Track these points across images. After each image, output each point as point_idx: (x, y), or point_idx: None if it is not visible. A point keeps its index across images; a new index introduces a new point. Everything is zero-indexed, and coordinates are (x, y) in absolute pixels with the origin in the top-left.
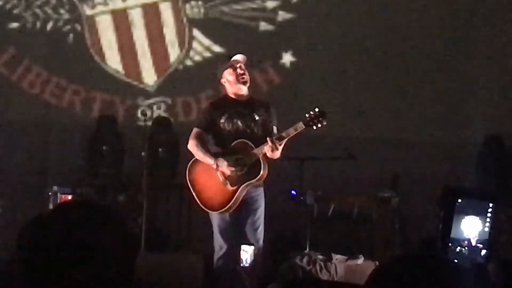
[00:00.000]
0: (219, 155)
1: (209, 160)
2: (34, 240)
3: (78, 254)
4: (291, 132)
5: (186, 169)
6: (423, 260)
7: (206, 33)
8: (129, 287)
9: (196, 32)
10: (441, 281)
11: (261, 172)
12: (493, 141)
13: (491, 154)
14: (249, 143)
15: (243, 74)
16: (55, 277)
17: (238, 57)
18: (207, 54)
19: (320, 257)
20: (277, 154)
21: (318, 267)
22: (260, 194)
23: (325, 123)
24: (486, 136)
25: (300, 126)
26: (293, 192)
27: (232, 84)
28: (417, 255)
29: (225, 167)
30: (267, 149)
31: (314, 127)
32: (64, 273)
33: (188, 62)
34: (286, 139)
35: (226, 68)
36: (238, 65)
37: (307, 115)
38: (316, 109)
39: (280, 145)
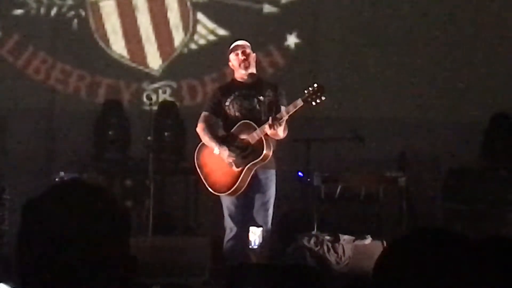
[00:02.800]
0: (223, 138)
1: (213, 146)
2: (27, 223)
3: (70, 235)
4: (291, 109)
5: (193, 153)
6: (438, 235)
7: (210, 16)
8: (123, 268)
9: (200, 16)
10: (457, 256)
11: (264, 151)
12: (501, 120)
13: (498, 133)
14: (252, 123)
15: (245, 59)
16: (49, 260)
17: (239, 42)
18: (212, 37)
19: (328, 238)
20: (280, 133)
21: (325, 248)
22: (270, 177)
23: (324, 98)
24: (493, 115)
25: (299, 102)
26: (300, 173)
27: (236, 69)
28: (433, 229)
29: (226, 155)
30: (267, 128)
31: (313, 103)
32: (58, 255)
33: (193, 46)
34: (286, 117)
35: (230, 53)
36: (240, 50)
37: (305, 91)
38: (315, 85)
39: (280, 124)
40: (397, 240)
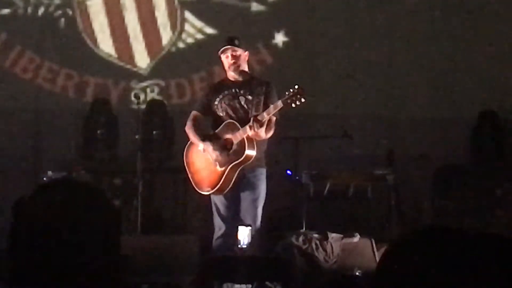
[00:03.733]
0: (208, 137)
1: (197, 142)
2: (17, 223)
3: (61, 234)
4: (271, 110)
5: (182, 152)
6: (441, 233)
7: (198, 15)
8: (114, 265)
9: (187, 14)
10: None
11: (245, 152)
12: (488, 117)
13: (486, 130)
14: (237, 124)
15: (234, 62)
16: (40, 258)
17: (229, 43)
18: (200, 36)
19: (316, 235)
20: (261, 134)
21: (314, 246)
22: (258, 175)
23: (303, 100)
24: (481, 113)
25: (279, 104)
26: (288, 172)
27: (226, 69)
28: (436, 227)
29: (211, 150)
30: (248, 129)
31: (293, 105)
32: (48, 253)
33: (181, 45)
34: (267, 118)
35: (220, 53)
36: (230, 53)
37: (286, 93)
38: (296, 86)
39: (261, 125)
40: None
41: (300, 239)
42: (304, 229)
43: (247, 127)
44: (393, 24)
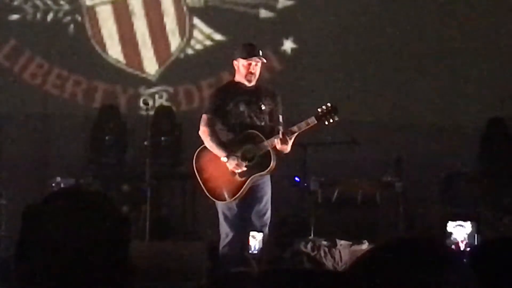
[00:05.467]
0: (229, 145)
1: (220, 154)
2: (26, 231)
3: (72, 242)
4: (303, 126)
5: (190, 158)
6: (415, 243)
7: (207, 21)
8: (123, 274)
9: (196, 21)
10: (434, 265)
11: (271, 164)
12: (497, 124)
13: (495, 137)
14: (259, 134)
15: (253, 74)
16: (49, 266)
17: (258, 54)
18: (208, 43)
19: (325, 243)
20: (287, 147)
21: (322, 253)
22: (266, 182)
23: (337, 119)
24: (490, 119)
25: (312, 120)
26: (296, 178)
27: (241, 75)
28: (410, 238)
29: (234, 165)
30: (277, 142)
31: (326, 122)
32: (58, 261)
33: (189, 51)
34: (297, 133)
35: (244, 57)
36: (254, 63)
37: (319, 110)
38: (329, 104)
39: (290, 139)
40: (378, 246)
41: (309, 246)
42: (312, 236)
43: (276, 139)
44: (402, 31)
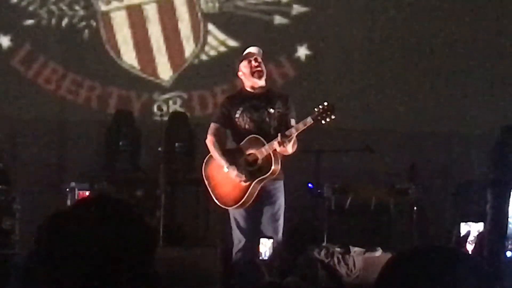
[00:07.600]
0: (232, 152)
1: (222, 163)
2: (53, 237)
3: (97, 250)
4: (300, 127)
5: (202, 164)
6: (438, 252)
7: (221, 27)
8: (148, 281)
9: (211, 27)
10: (455, 272)
11: (272, 167)
12: (511, 132)
13: (509, 145)
14: (261, 138)
15: (258, 66)
16: (74, 273)
17: (253, 49)
18: (222, 49)
19: (338, 249)
20: (288, 149)
21: (336, 260)
22: (278, 188)
23: (333, 117)
24: (504, 127)
25: (309, 121)
26: (310, 185)
27: (248, 77)
28: (432, 247)
29: (234, 175)
30: (276, 145)
31: (323, 122)
32: (83, 268)
33: (204, 57)
34: (295, 134)
35: (241, 61)
36: (253, 58)
37: (315, 109)
38: (325, 103)
39: (289, 141)
40: (401, 254)
41: (322, 252)
42: (326, 242)
43: (275, 142)
44: (415, 37)
